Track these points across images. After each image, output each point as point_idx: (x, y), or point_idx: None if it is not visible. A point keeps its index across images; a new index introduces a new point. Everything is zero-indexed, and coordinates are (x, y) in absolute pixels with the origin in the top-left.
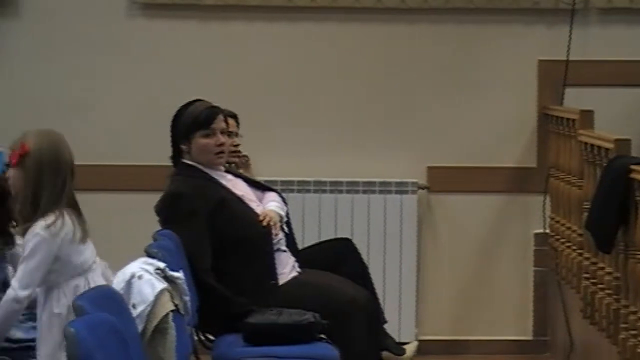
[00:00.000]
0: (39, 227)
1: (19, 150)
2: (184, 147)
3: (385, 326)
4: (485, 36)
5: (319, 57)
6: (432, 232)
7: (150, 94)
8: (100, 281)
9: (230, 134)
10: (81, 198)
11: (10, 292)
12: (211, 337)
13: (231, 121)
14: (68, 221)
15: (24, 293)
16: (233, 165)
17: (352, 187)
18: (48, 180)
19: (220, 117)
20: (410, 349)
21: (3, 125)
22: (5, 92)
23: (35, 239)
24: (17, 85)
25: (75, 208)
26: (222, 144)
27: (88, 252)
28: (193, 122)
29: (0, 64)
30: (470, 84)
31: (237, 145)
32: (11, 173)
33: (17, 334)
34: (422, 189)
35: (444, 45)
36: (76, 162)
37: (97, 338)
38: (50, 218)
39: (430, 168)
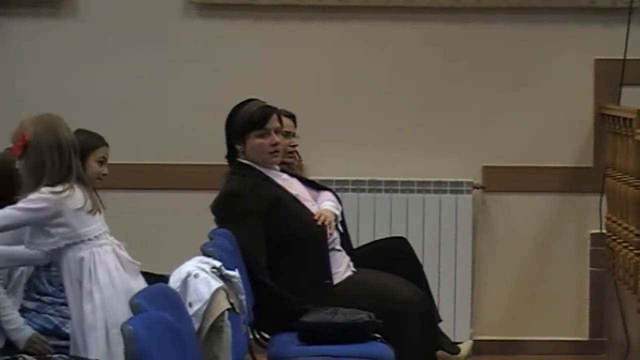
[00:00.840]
0: (45, 188)
1: (20, 142)
2: (238, 147)
3: (440, 325)
4: (541, 35)
5: (373, 56)
6: (487, 231)
7: (205, 93)
8: (108, 260)
9: (287, 134)
10: (138, 196)
11: None
12: (266, 336)
13: (288, 121)
14: (78, 192)
15: None
16: (287, 165)
17: (407, 187)
18: (52, 164)
19: (275, 116)
20: (465, 348)
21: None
22: (64, 91)
23: (37, 194)
24: (75, 84)
25: (85, 184)
26: (276, 144)
27: (94, 225)
28: (247, 122)
29: (60, 63)
30: (526, 83)
31: (294, 146)
32: (19, 165)
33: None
34: (478, 188)
35: (500, 44)
36: (133, 161)
37: (153, 336)
38: (58, 187)
39: (485, 167)
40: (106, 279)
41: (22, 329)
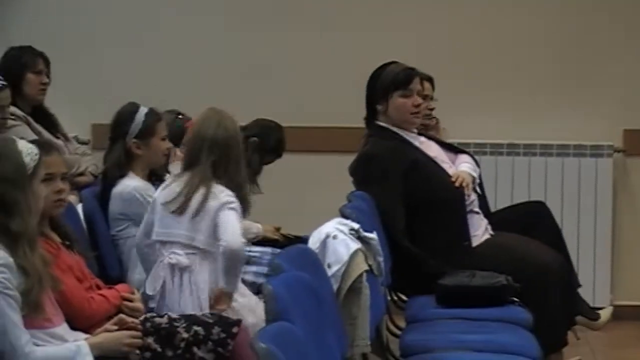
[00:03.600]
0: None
1: None
2: (380, 107)
3: (579, 291)
4: None
5: (512, 17)
6: (627, 196)
7: (345, 57)
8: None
9: (425, 97)
10: (278, 159)
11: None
12: (404, 298)
13: (427, 84)
14: (174, 186)
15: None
16: (424, 127)
17: (546, 150)
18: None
19: (417, 79)
20: (605, 314)
21: (214, 91)
22: (214, 58)
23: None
24: (222, 52)
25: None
26: (419, 105)
27: (162, 230)
28: (392, 81)
29: (207, 32)
30: None
31: (432, 109)
32: None
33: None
34: (618, 152)
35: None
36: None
37: (293, 295)
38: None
39: (626, 131)
40: None
41: None
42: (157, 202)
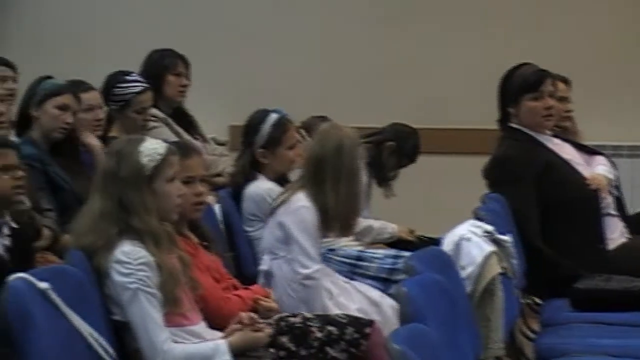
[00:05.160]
0: None
1: None
2: (511, 110)
3: None
4: None
5: None
6: None
7: (479, 58)
8: None
9: (561, 98)
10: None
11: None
12: (538, 301)
13: (561, 85)
14: None
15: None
16: (560, 130)
17: None
18: None
19: (549, 80)
20: None
21: (348, 92)
22: (352, 59)
23: None
24: (356, 53)
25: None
26: (550, 107)
27: None
28: (521, 85)
29: (343, 33)
30: None
31: (569, 111)
32: None
33: None
34: None
35: None
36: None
37: (427, 297)
38: None
39: None
40: None
41: None
42: None
